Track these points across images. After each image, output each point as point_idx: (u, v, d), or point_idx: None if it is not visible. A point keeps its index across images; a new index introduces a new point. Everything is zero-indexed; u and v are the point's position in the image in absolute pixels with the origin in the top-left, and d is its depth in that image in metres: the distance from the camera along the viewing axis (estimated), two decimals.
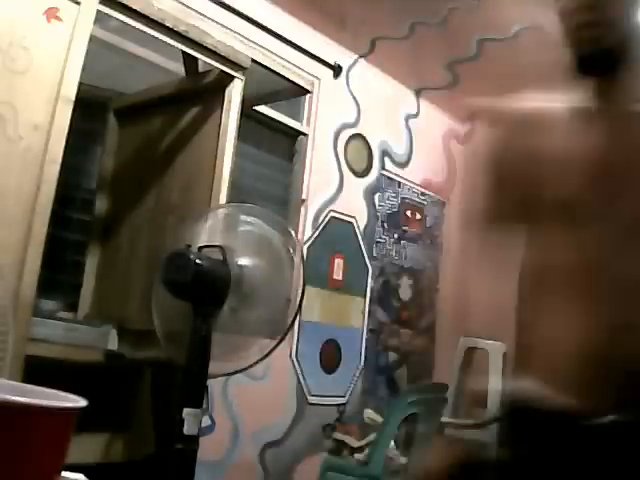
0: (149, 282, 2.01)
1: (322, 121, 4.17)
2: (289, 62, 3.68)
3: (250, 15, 3.65)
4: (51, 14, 1.85)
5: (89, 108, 2.44)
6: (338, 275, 4.13)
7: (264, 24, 3.73)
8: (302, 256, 1.76)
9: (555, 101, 1.44)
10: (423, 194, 4.95)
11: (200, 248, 1.75)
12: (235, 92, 2.39)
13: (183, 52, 2.33)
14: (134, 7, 2.04)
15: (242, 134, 2.52)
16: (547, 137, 1.32)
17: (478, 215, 1.38)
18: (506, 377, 1.49)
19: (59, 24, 1.87)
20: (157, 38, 2.15)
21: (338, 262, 4.12)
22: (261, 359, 1.74)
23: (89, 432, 2.11)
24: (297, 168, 4.09)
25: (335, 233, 4.16)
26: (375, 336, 4.43)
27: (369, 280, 4.44)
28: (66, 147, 1.87)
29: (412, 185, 4.86)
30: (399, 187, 4.76)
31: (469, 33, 3.93)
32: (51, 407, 0.71)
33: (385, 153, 4.63)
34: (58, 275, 2.85)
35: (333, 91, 4.24)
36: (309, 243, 3.98)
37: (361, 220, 4.41)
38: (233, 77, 2.39)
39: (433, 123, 5.03)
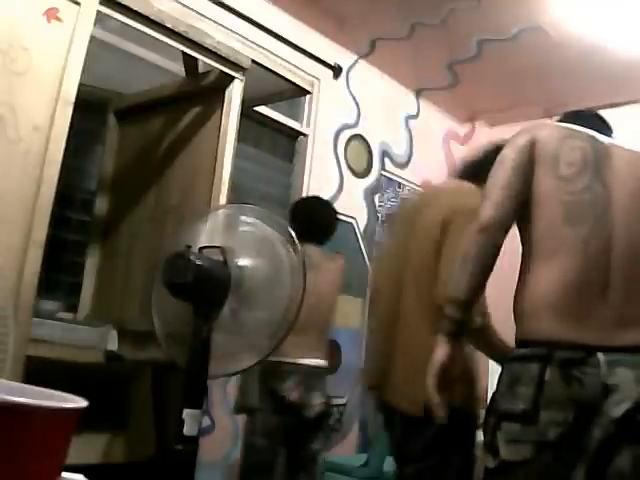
0: (149, 283, 2.01)
1: (322, 122, 4.17)
2: (289, 63, 3.68)
3: (250, 15, 3.65)
4: (51, 15, 1.85)
5: (89, 109, 2.44)
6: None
7: (264, 24, 3.73)
8: (302, 257, 1.76)
9: None
10: None
11: (200, 249, 1.75)
12: (235, 93, 2.39)
13: (183, 53, 2.34)
14: (134, 8, 2.04)
15: (242, 135, 2.52)
16: None
17: None
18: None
19: (59, 25, 1.87)
20: (157, 39, 2.15)
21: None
22: (261, 359, 1.74)
23: (89, 432, 2.11)
24: (297, 169, 4.09)
25: (335, 233, 4.15)
26: None
27: (369, 280, 4.44)
28: (66, 148, 1.87)
29: (412, 186, 4.86)
30: (399, 188, 4.76)
31: (469, 33, 3.93)
32: (51, 408, 0.71)
33: (385, 154, 4.63)
34: (58, 276, 2.85)
35: (333, 92, 4.24)
36: None
37: (361, 220, 4.41)
38: (233, 78, 2.39)
39: (433, 123, 5.03)
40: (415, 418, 2.12)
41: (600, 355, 1.39)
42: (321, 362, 2.97)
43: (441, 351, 1.56)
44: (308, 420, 2.92)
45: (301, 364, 2.84)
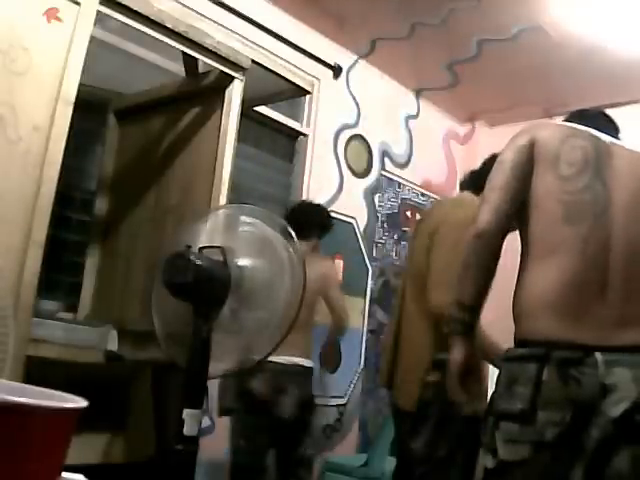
0: (149, 283, 2.01)
1: (322, 122, 4.17)
2: (289, 63, 3.68)
3: (250, 16, 3.65)
4: (51, 15, 1.85)
5: (89, 109, 2.44)
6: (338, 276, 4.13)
7: (264, 25, 3.73)
8: (302, 257, 1.76)
9: None
10: (423, 195, 4.95)
11: (200, 249, 1.75)
12: (235, 93, 2.39)
13: (183, 53, 2.33)
14: (134, 8, 2.03)
15: (242, 135, 2.52)
16: None
17: None
18: None
19: (59, 25, 1.87)
20: (157, 39, 2.15)
21: (338, 262, 4.12)
22: (261, 360, 1.74)
23: (89, 432, 2.11)
24: (297, 169, 4.09)
25: (335, 233, 4.15)
26: (375, 336, 4.43)
27: (369, 281, 4.44)
28: (66, 148, 1.87)
29: (412, 186, 4.86)
30: (399, 188, 4.76)
31: (469, 33, 3.93)
32: (51, 407, 0.71)
33: (385, 154, 4.63)
34: (58, 276, 2.85)
35: (333, 92, 4.24)
36: None
37: (361, 221, 4.41)
38: (233, 78, 2.39)
39: (433, 123, 5.03)
40: (411, 414, 2.17)
41: (598, 355, 1.39)
42: (297, 360, 2.92)
43: (457, 352, 1.56)
44: (284, 420, 2.88)
45: (270, 361, 2.59)
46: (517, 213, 1.56)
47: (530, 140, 1.57)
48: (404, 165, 4.79)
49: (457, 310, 1.56)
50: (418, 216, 4.87)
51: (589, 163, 1.53)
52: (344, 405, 4.19)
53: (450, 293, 1.62)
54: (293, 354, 2.87)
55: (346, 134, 4.34)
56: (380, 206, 4.59)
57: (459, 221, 2.07)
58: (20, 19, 1.80)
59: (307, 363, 2.99)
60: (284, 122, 3.98)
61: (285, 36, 3.84)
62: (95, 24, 1.96)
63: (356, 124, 4.41)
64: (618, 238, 1.48)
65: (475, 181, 2.25)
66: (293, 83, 2.69)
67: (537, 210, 1.54)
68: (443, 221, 2.21)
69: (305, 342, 2.98)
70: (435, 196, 5.02)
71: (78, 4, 1.90)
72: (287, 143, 4.11)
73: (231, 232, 1.86)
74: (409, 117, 4.83)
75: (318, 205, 3.39)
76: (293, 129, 4.07)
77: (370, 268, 4.45)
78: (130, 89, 2.85)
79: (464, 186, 2.41)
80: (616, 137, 1.69)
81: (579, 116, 1.75)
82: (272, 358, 2.71)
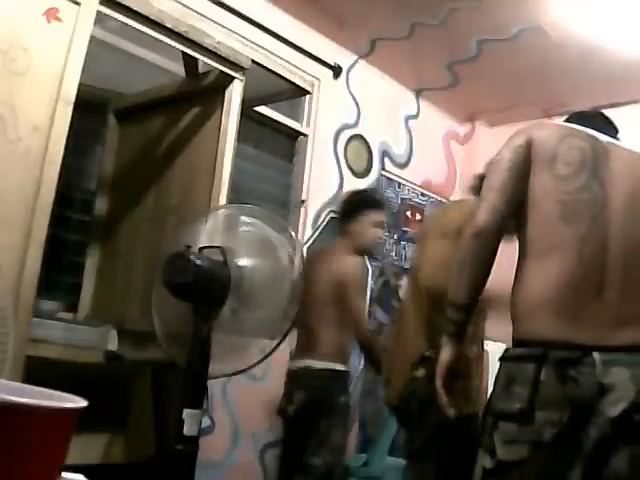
0: (149, 283, 2.01)
1: (322, 122, 4.17)
2: (289, 63, 3.68)
3: (250, 16, 3.65)
4: (51, 15, 1.86)
5: (89, 109, 2.44)
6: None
7: (264, 25, 3.73)
8: (302, 257, 1.76)
9: None
10: (423, 195, 4.95)
11: (200, 249, 1.75)
12: (235, 93, 2.39)
13: (183, 53, 2.34)
14: (134, 8, 2.04)
15: (242, 135, 2.52)
16: None
17: None
18: None
19: (59, 25, 1.87)
20: (157, 39, 2.15)
21: None
22: (262, 360, 1.74)
23: (89, 432, 2.11)
24: (297, 169, 4.09)
25: (335, 234, 4.15)
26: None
27: (369, 281, 4.44)
28: (66, 148, 1.87)
29: (412, 186, 4.86)
30: (399, 188, 4.76)
31: (469, 33, 3.93)
32: (51, 407, 0.71)
33: (385, 154, 4.63)
34: (58, 276, 2.85)
35: (333, 92, 4.24)
36: (309, 244, 3.97)
37: None
38: (233, 78, 2.39)
39: (433, 123, 5.03)
40: (397, 408, 2.22)
41: (596, 354, 1.39)
42: (311, 363, 2.85)
43: (445, 352, 1.57)
44: (290, 427, 2.89)
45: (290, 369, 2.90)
46: (515, 213, 1.56)
47: (527, 140, 1.57)
48: (404, 165, 4.79)
49: (450, 311, 1.57)
50: (418, 216, 4.88)
51: (586, 163, 1.53)
52: None
53: (439, 269, 1.65)
54: (309, 357, 2.79)
55: (346, 134, 4.34)
56: None
57: (445, 224, 2.17)
58: (20, 19, 1.80)
59: (322, 365, 2.80)
60: (284, 122, 3.98)
61: (285, 36, 3.84)
62: (95, 24, 1.96)
63: (356, 124, 4.41)
64: (615, 238, 1.48)
65: (479, 186, 2.29)
66: (293, 83, 2.69)
67: (534, 210, 1.53)
68: (431, 228, 2.37)
69: (330, 342, 2.82)
70: (435, 196, 5.02)
71: (78, 4, 1.90)
72: (287, 143, 4.10)
73: (231, 232, 1.87)
74: (409, 117, 4.83)
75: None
76: (293, 129, 4.07)
77: (370, 268, 4.45)
78: (130, 89, 2.85)
79: (472, 191, 2.42)
80: (615, 138, 1.69)
81: (578, 117, 1.75)
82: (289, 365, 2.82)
